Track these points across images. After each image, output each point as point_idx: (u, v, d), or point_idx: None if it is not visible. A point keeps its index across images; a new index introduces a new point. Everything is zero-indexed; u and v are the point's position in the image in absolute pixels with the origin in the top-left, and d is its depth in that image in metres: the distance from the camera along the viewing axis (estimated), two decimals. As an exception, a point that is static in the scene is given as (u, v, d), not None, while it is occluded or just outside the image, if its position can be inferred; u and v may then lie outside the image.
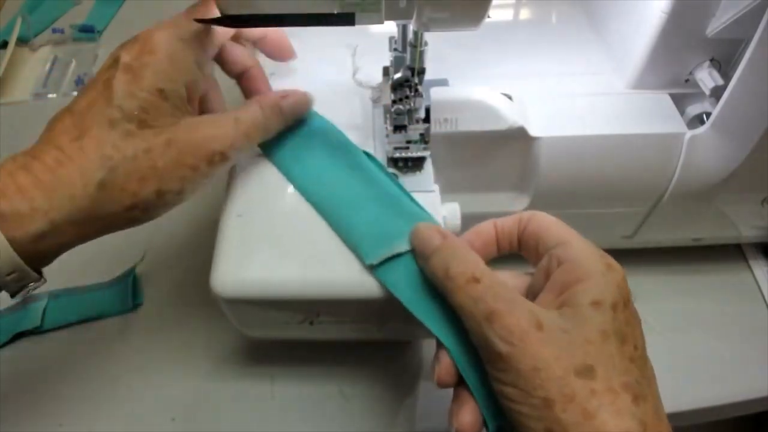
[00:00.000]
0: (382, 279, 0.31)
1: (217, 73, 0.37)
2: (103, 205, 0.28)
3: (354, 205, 0.33)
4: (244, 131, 0.32)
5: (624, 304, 0.26)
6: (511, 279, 0.31)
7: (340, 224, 0.33)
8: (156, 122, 0.29)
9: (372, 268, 0.31)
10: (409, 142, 0.37)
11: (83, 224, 0.28)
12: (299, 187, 0.35)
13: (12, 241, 0.26)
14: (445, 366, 0.28)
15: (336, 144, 0.36)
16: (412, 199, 0.34)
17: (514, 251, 0.32)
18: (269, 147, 0.36)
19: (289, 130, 0.36)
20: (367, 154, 0.36)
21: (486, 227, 0.32)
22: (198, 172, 0.30)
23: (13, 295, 0.29)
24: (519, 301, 0.25)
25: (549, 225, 0.30)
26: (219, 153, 0.31)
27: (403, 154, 0.36)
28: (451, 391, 0.41)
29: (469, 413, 0.26)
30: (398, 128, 0.37)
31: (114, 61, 0.30)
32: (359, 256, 0.32)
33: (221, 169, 0.32)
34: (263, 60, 0.45)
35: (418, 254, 0.30)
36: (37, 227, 0.27)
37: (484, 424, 0.27)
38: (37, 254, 0.28)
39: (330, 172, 0.35)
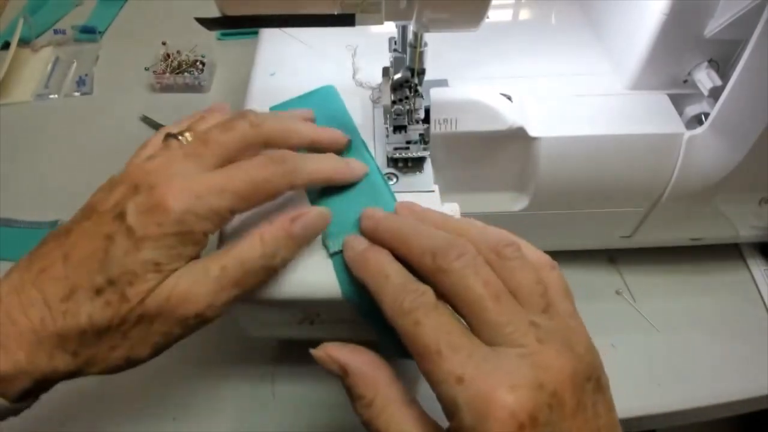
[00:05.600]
0: (335, 268, 0.31)
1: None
2: (77, 367, 0.27)
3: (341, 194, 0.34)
4: (232, 283, 0.28)
5: None
6: None
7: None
8: (136, 294, 0.27)
9: (332, 256, 0.31)
10: (408, 142, 0.37)
11: (63, 376, 0.28)
12: None
13: (2, 396, 0.26)
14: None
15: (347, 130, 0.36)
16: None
17: None
18: None
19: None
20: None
21: None
22: (171, 337, 0.28)
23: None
24: None
25: None
26: (193, 317, 0.27)
27: (403, 155, 0.36)
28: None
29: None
30: (398, 129, 0.37)
31: (119, 215, 0.27)
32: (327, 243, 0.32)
33: (203, 327, 0.29)
34: (265, 60, 0.45)
35: None
36: (23, 386, 0.26)
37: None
38: (28, 396, 0.28)
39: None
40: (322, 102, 0.39)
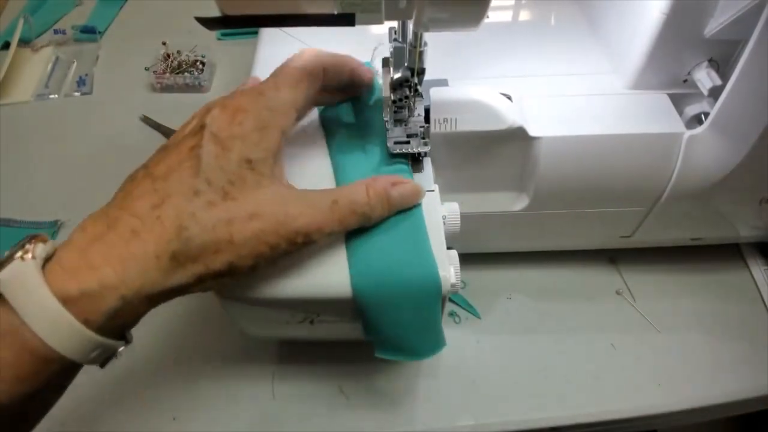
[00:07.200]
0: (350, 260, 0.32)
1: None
2: (173, 276, 0.27)
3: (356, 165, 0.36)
4: (339, 217, 0.30)
5: None
6: None
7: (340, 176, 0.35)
8: (241, 194, 0.28)
9: None
10: (409, 135, 0.37)
11: (153, 297, 0.27)
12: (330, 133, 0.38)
13: (86, 323, 0.25)
14: None
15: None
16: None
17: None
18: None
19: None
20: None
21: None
22: (276, 251, 0.28)
23: (102, 365, 0.29)
24: None
25: None
26: (303, 234, 0.29)
27: (404, 150, 0.36)
28: (450, 390, 0.42)
29: None
30: (398, 122, 0.37)
31: (200, 127, 0.29)
32: None
33: (304, 249, 0.30)
34: (265, 60, 0.45)
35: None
36: (109, 306, 0.25)
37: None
38: (115, 328, 0.27)
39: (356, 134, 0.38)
40: None
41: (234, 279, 0.29)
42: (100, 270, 0.25)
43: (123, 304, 0.26)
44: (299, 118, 0.32)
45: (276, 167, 0.30)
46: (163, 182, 0.28)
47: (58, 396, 0.29)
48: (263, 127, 0.29)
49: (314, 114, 0.40)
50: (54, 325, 0.24)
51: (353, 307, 0.32)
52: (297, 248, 0.29)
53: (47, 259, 0.26)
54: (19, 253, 0.25)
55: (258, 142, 0.29)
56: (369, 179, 0.32)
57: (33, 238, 0.26)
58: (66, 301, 0.24)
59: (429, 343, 0.34)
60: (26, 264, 0.25)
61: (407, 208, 0.33)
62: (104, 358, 0.28)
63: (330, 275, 0.32)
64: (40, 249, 0.25)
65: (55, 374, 0.25)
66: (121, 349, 0.28)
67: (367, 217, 0.31)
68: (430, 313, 0.32)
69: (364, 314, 0.32)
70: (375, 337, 0.33)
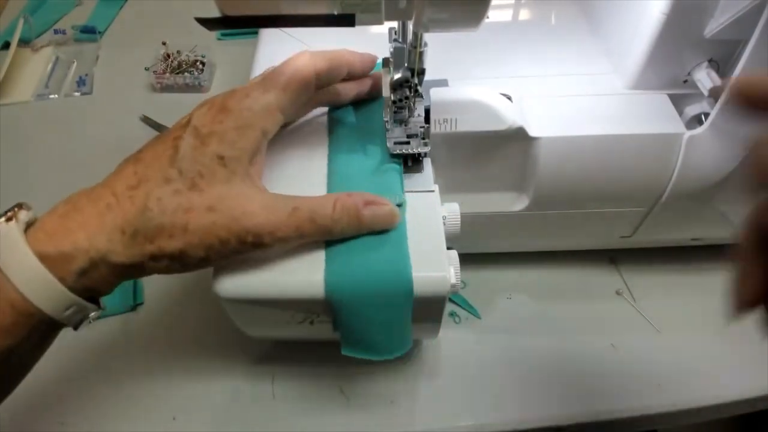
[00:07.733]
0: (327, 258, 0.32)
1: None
2: (131, 252, 0.29)
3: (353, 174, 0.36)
4: (296, 224, 0.30)
5: None
6: None
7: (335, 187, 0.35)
8: (208, 187, 0.29)
9: None
10: (409, 136, 0.37)
11: (117, 267, 0.29)
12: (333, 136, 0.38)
13: (61, 280, 0.28)
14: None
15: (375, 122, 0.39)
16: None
17: None
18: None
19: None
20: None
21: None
22: (226, 247, 0.29)
23: (75, 327, 0.31)
24: None
25: None
26: (253, 234, 0.29)
27: (404, 150, 0.36)
28: (450, 390, 0.42)
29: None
30: (399, 122, 0.37)
31: (187, 121, 0.31)
32: None
33: (258, 252, 0.31)
34: (265, 60, 0.45)
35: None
36: (79, 265, 0.28)
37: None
38: (86, 288, 0.29)
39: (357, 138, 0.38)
40: None
41: (187, 267, 0.30)
42: (75, 234, 0.28)
43: (91, 266, 0.29)
44: (288, 120, 0.33)
45: (252, 167, 0.32)
46: (143, 167, 0.30)
47: (34, 359, 0.32)
48: (243, 126, 0.31)
49: (323, 115, 0.40)
50: (33, 280, 0.27)
51: (326, 306, 0.32)
52: (248, 248, 0.30)
53: (31, 225, 0.29)
54: (3, 219, 0.28)
55: (235, 141, 0.30)
56: (343, 193, 0.32)
57: (17, 206, 0.29)
58: (44, 259, 0.27)
59: (396, 343, 0.34)
60: (10, 226, 0.28)
61: None
62: (77, 319, 0.30)
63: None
64: (23, 214, 0.29)
65: (34, 330, 0.28)
66: (92, 314, 0.31)
67: (328, 230, 0.31)
68: (400, 313, 0.32)
69: (335, 312, 0.32)
70: (343, 334, 0.33)
